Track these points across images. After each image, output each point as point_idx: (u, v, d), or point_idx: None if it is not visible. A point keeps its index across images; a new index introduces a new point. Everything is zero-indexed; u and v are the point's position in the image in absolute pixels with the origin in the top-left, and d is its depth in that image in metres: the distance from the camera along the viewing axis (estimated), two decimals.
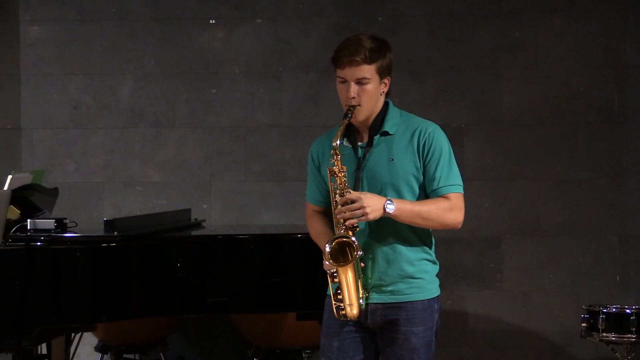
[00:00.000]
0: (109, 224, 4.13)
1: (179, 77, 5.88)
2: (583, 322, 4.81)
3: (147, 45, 5.88)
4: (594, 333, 4.77)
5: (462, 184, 3.31)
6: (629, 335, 4.69)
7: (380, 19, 5.79)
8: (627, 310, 4.72)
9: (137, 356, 5.39)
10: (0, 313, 3.86)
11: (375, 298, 3.25)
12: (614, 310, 4.74)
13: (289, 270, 4.19)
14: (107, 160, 5.90)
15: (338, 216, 3.17)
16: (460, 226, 3.31)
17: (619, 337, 4.72)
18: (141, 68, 5.88)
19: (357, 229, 3.17)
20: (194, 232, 4.88)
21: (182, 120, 5.88)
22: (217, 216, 5.81)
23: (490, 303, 5.76)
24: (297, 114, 5.82)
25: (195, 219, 5.26)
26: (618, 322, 4.71)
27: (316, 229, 3.42)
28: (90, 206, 5.88)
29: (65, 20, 5.89)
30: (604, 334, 4.72)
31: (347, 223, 3.15)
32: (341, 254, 3.17)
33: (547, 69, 5.75)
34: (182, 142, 5.88)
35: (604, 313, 4.72)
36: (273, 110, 5.85)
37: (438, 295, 3.33)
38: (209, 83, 5.87)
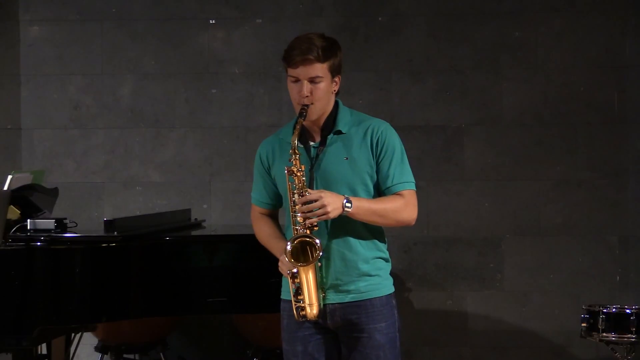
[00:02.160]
0: (109, 224, 4.13)
1: (179, 77, 5.88)
2: (583, 322, 4.81)
3: (147, 45, 5.88)
4: (594, 333, 4.77)
5: (414, 180, 3.33)
6: (629, 335, 4.69)
7: (380, 19, 5.79)
8: (627, 310, 4.72)
9: (137, 356, 5.39)
10: (0, 313, 3.86)
11: (333, 298, 3.25)
12: (614, 310, 4.74)
13: None
14: (107, 160, 5.90)
15: (299, 215, 3.15)
16: (414, 223, 3.31)
17: (619, 337, 4.72)
18: (141, 68, 5.88)
19: (316, 228, 3.17)
20: (194, 232, 4.88)
21: (182, 120, 5.88)
22: (217, 216, 5.81)
23: (490, 303, 5.76)
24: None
25: (195, 219, 5.26)
26: (618, 322, 4.71)
27: (265, 232, 3.43)
28: (90, 206, 5.88)
29: (65, 20, 5.90)
30: (604, 334, 4.72)
31: (307, 222, 3.15)
32: (302, 253, 3.17)
33: (547, 69, 5.75)
34: (182, 142, 5.88)
35: (604, 313, 4.72)
36: (273, 110, 5.85)
37: (394, 292, 3.33)
38: (209, 83, 5.87)
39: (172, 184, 5.88)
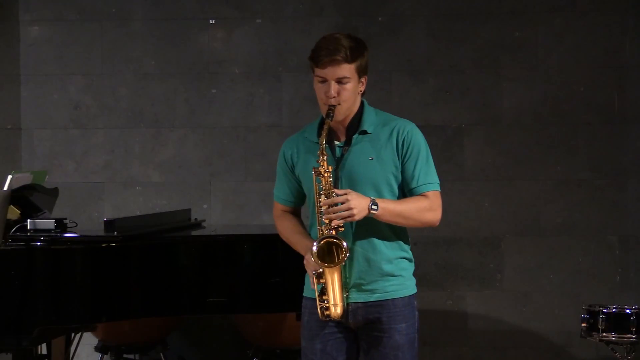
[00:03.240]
0: (109, 224, 4.13)
1: (179, 77, 5.88)
2: (583, 322, 4.80)
3: (147, 45, 5.88)
4: (594, 333, 4.76)
5: (439, 181, 3.32)
6: (629, 335, 4.69)
7: (380, 19, 5.79)
8: (627, 310, 4.72)
9: (137, 356, 5.39)
10: (0, 313, 3.86)
11: (356, 297, 3.25)
12: (614, 310, 4.74)
13: (288, 270, 4.18)
14: (107, 160, 5.90)
15: (325, 217, 3.16)
16: (438, 224, 3.31)
17: (619, 337, 4.72)
18: (141, 68, 5.88)
19: (342, 229, 3.17)
20: (194, 232, 4.88)
21: (182, 120, 5.88)
22: (217, 216, 5.81)
23: (490, 303, 5.76)
24: (297, 114, 5.82)
25: (195, 219, 5.26)
26: (618, 322, 4.71)
27: (288, 228, 3.44)
28: (90, 206, 5.88)
29: (65, 20, 5.90)
30: (604, 334, 4.72)
31: (333, 224, 3.15)
32: (328, 254, 3.17)
33: (547, 69, 5.75)
34: (182, 142, 5.88)
35: (604, 313, 4.72)
36: (273, 110, 5.85)
37: (416, 293, 3.33)
38: (209, 83, 5.87)
39: (172, 184, 5.88)
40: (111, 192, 5.89)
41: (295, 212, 3.49)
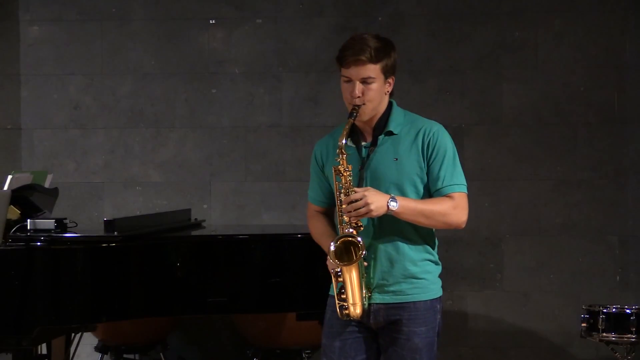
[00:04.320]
0: (109, 224, 4.12)
1: (179, 77, 5.88)
2: (583, 322, 4.81)
3: (147, 45, 5.88)
4: (594, 333, 4.77)
5: (466, 183, 3.31)
6: (629, 335, 4.69)
7: (380, 19, 5.79)
8: (627, 310, 4.72)
9: (137, 356, 5.39)
10: (0, 313, 3.86)
11: (378, 298, 3.24)
12: (614, 310, 4.74)
13: (288, 270, 4.19)
14: (107, 160, 5.90)
15: (343, 215, 3.17)
16: (464, 226, 3.28)
17: (619, 337, 4.72)
18: (141, 68, 5.88)
19: (362, 228, 3.17)
20: (194, 232, 4.88)
21: (182, 120, 5.88)
22: (217, 216, 5.80)
23: (490, 303, 5.76)
24: (297, 114, 5.82)
25: (195, 219, 5.26)
26: (618, 322, 4.71)
27: (318, 229, 3.42)
28: (90, 206, 5.88)
29: (65, 20, 5.89)
30: (604, 334, 4.72)
31: (351, 220, 3.15)
32: (346, 253, 3.17)
33: (547, 69, 5.75)
34: (182, 142, 5.88)
35: (604, 313, 4.72)
36: (273, 110, 5.85)
37: (440, 296, 3.32)
38: (209, 83, 5.87)
39: (172, 184, 5.88)
40: (111, 192, 5.89)
41: (328, 212, 3.46)
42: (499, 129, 5.76)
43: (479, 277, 5.76)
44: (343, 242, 3.16)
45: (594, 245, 5.72)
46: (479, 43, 5.77)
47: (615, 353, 4.84)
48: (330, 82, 5.59)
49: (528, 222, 5.75)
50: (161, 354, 5.27)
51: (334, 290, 3.25)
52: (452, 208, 3.24)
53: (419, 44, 5.78)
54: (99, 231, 4.17)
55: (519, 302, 5.75)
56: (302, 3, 5.83)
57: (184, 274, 4.14)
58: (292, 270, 4.19)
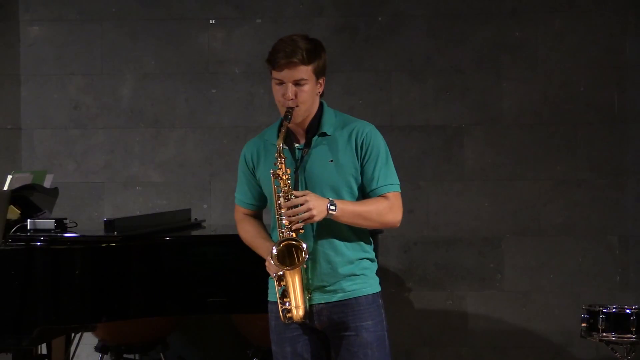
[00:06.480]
0: (109, 224, 4.13)
1: (179, 77, 5.88)
2: (583, 322, 4.81)
3: (147, 45, 5.88)
4: (594, 333, 4.77)
5: (399, 182, 3.32)
6: (629, 335, 4.69)
7: (380, 19, 5.79)
8: (627, 310, 4.72)
9: (137, 356, 5.39)
10: (0, 313, 3.86)
11: (319, 298, 3.24)
12: (614, 310, 4.74)
13: None
14: (107, 160, 5.90)
15: (285, 220, 3.16)
16: (399, 225, 3.31)
17: (619, 337, 4.72)
18: (141, 68, 5.88)
19: (302, 231, 3.16)
20: (194, 232, 4.88)
21: (182, 120, 5.88)
22: (217, 216, 5.80)
23: (490, 303, 5.76)
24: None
25: (195, 219, 5.26)
26: (618, 322, 4.72)
27: (249, 232, 3.42)
28: (90, 206, 5.88)
29: (65, 20, 5.90)
30: (604, 334, 4.72)
31: (293, 226, 3.14)
32: (288, 256, 3.17)
33: (547, 69, 5.75)
34: (182, 142, 5.88)
35: (604, 313, 4.72)
36: (273, 110, 5.80)
37: (380, 292, 3.32)
38: (209, 83, 5.87)
39: (172, 184, 5.88)
40: (111, 192, 5.89)
41: (257, 215, 3.47)
42: (499, 129, 5.76)
43: (479, 277, 5.76)
44: (286, 246, 3.15)
45: (594, 245, 5.72)
46: (479, 43, 5.77)
47: (615, 353, 4.84)
48: (330, 82, 5.57)
49: (528, 222, 5.75)
50: (161, 354, 5.27)
51: (275, 295, 3.24)
52: (389, 208, 3.25)
53: (419, 44, 5.78)
54: (99, 231, 4.18)
55: (519, 302, 5.75)
56: (302, 3, 5.83)
57: (184, 274, 4.14)
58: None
